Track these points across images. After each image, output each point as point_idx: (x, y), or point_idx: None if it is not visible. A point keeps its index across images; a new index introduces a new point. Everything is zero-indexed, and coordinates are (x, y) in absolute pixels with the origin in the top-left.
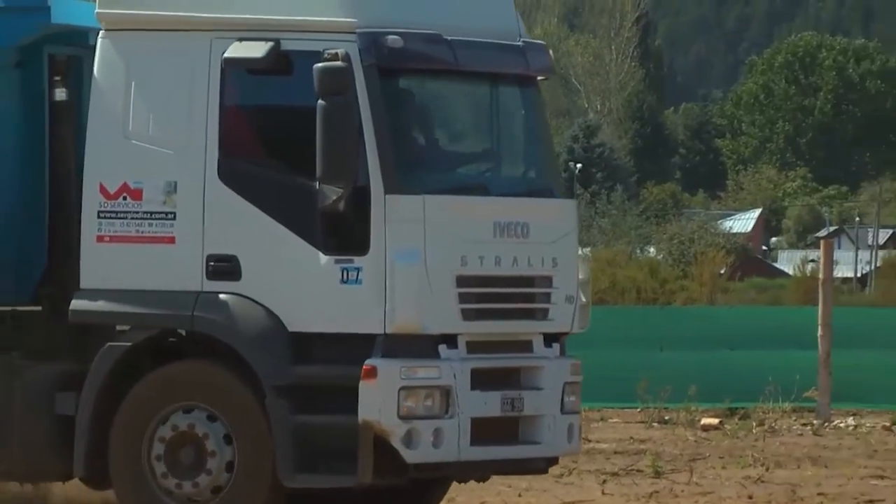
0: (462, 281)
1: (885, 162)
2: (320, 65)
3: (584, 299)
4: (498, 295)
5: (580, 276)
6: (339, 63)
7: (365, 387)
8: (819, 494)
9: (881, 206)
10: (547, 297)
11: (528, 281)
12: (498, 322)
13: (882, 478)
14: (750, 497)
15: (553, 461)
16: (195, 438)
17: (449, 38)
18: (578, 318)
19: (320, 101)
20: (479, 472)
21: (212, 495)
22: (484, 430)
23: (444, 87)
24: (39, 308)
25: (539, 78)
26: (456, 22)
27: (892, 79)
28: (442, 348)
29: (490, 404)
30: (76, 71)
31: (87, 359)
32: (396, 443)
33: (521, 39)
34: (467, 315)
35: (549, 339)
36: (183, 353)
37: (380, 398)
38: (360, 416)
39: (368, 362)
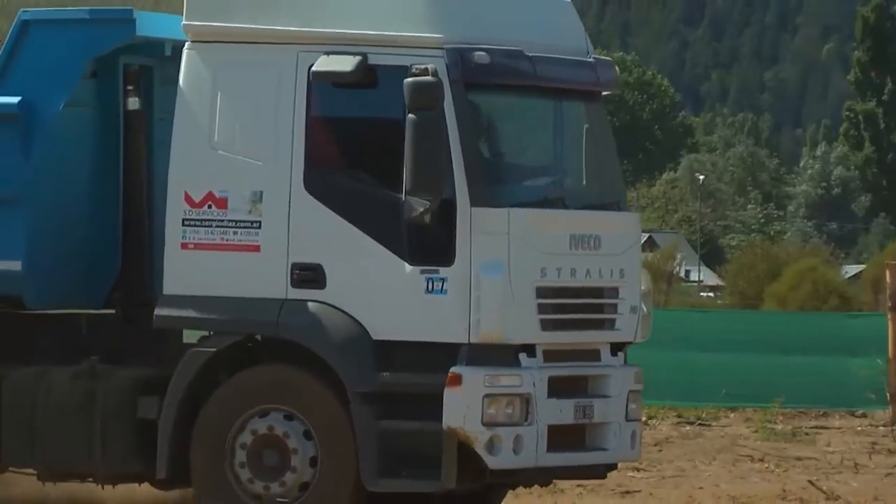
0: (541, 292)
1: (642, 169)
2: (412, 79)
3: (645, 310)
4: (573, 305)
5: (642, 288)
6: (430, 78)
7: (450, 394)
8: (578, 486)
9: (638, 211)
10: (614, 308)
11: (599, 292)
12: (572, 332)
13: (638, 470)
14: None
15: (612, 467)
16: (276, 440)
17: (529, 54)
18: (641, 328)
19: (411, 115)
20: (551, 477)
21: (299, 493)
22: (557, 437)
23: (523, 102)
24: (113, 312)
25: (605, 93)
26: (532, 38)
27: (648, 90)
28: (522, 357)
29: (565, 412)
30: (147, 80)
31: (165, 363)
32: (480, 449)
33: (591, 56)
34: (545, 325)
35: (614, 347)
36: (257, 360)
37: (464, 405)
38: (445, 423)
39: (454, 370)
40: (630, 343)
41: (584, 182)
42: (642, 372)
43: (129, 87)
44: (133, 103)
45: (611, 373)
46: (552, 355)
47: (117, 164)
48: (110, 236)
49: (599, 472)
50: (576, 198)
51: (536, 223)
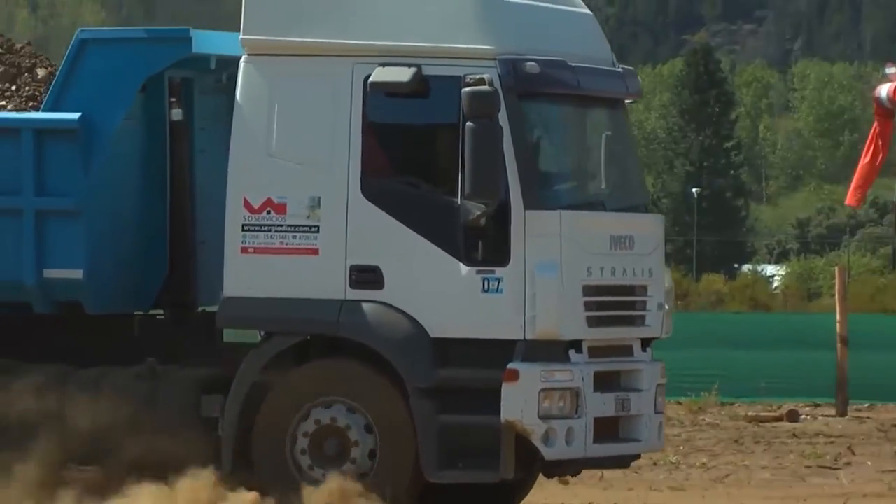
0: (587, 290)
1: None
2: (470, 89)
3: (667, 307)
4: (613, 303)
5: (665, 285)
6: (487, 88)
7: (507, 389)
8: None
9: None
10: (644, 305)
11: (632, 290)
12: (612, 329)
13: None
14: None
15: (637, 456)
16: (337, 431)
17: (572, 64)
18: (665, 324)
19: (469, 123)
20: (592, 467)
21: (359, 480)
22: (600, 429)
23: (566, 110)
24: (162, 314)
25: (628, 101)
26: (569, 49)
27: None
28: (571, 353)
29: (607, 405)
30: (188, 91)
31: (218, 362)
32: (536, 441)
33: (620, 66)
34: (591, 322)
35: (643, 343)
36: (307, 357)
37: (522, 399)
38: (503, 416)
39: (511, 366)
40: (657, 338)
41: (618, 185)
42: (665, 366)
43: (173, 99)
44: (177, 114)
45: (643, 367)
46: (594, 351)
47: (163, 173)
48: (158, 241)
49: (627, 461)
50: (612, 200)
51: (583, 225)
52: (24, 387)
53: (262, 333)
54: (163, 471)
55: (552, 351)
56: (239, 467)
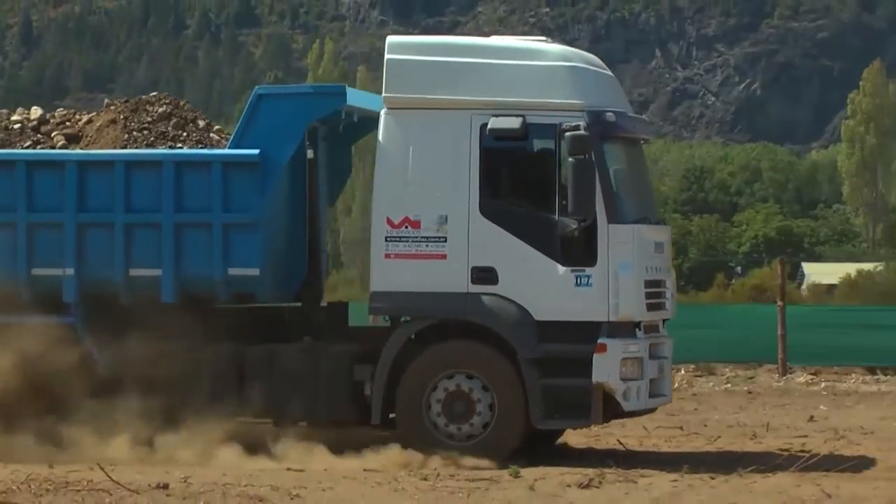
0: (646, 284)
1: None
2: (571, 133)
3: (674, 294)
4: (656, 293)
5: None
6: (584, 132)
7: (598, 358)
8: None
9: None
10: (665, 294)
11: (661, 283)
12: (656, 312)
13: None
14: None
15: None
16: (464, 394)
17: (629, 114)
18: (673, 307)
19: (570, 160)
20: (638, 415)
21: (482, 430)
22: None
23: (625, 148)
24: (301, 304)
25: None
26: (618, 103)
27: None
28: (636, 331)
29: (654, 369)
30: (314, 136)
31: (356, 340)
32: (619, 397)
33: (642, 114)
34: (648, 307)
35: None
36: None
37: (609, 366)
38: (594, 379)
39: (601, 341)
40: (669, 318)
41: (649, 203)
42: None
43: (307, 142)
44: (310, 153)
45: (665, 340)
46: (645, 329)
47: (304, 198)
48: (300, 249)
49: (654, 410)
50: (651, 215)
51: (644, 234)
52: (211, 361)
53: (387, 318)
54: (324, 421)
55: (626, 329)
56: (385, 420)
